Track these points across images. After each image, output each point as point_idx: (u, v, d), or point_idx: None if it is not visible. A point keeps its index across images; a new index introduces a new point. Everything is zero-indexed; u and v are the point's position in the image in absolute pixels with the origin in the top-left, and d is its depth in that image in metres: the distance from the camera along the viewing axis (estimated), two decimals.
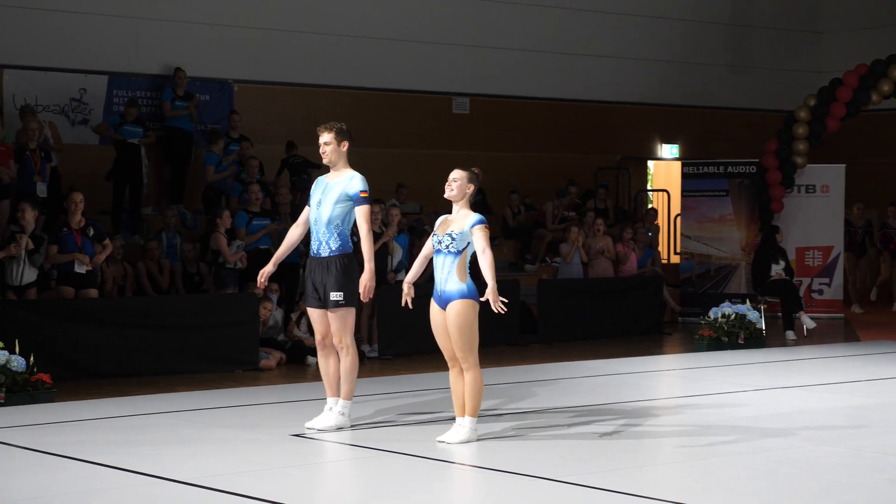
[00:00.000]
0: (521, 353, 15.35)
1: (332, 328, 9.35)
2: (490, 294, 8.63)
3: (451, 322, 8.81)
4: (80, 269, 13.33)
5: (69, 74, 17.17)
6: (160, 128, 17.34)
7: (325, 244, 9.32)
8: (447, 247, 8.87)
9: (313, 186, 9.47)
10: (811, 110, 19.37)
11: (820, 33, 24.83)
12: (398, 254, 15.47)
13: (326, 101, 19.37)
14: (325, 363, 9.54)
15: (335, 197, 9.28)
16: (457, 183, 8.94)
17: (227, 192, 16.84)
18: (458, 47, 20.61)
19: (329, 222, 9.29)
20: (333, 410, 9.43)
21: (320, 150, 9.38)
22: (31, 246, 13.03)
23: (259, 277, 9.56)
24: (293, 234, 9.67)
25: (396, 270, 15.39)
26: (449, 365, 8.99)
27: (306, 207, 9.47)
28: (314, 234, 9.38)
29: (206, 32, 18.24)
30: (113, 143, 16.57)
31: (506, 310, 8.68)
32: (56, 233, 13.49)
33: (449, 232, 8.86)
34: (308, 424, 9.44)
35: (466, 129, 20.82)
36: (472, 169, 9.05)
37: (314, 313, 9.48)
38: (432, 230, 9.06)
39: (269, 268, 9.55)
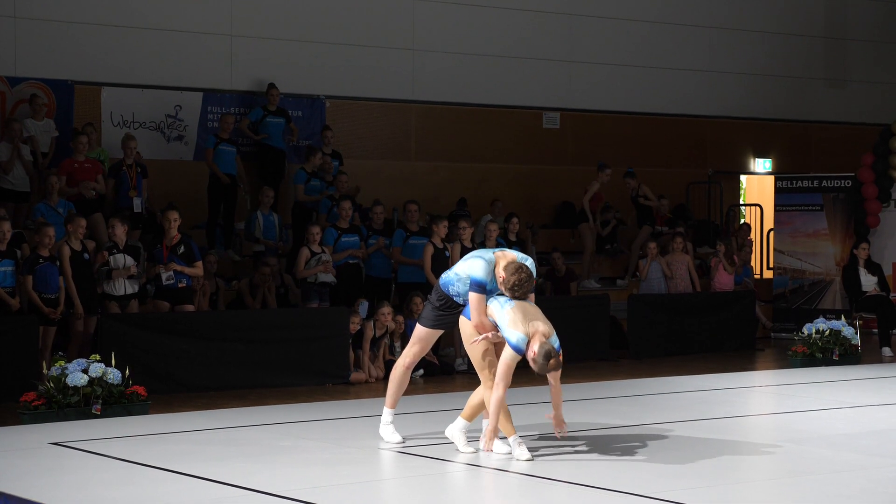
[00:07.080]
0: (610, 368, 15.26)
1: None
2: None
3: None
4: (166, 280, 13.49)
5: (164, 91, 17.43)
6: (252, 144, 17.51)
7: None
8: None
9: None
10: None
11: None
12: None
13: (416, 117, 19.45)
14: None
15: None
16: None
17: (317, 209, 16.93)
18: (548, 62, 20.58)
19: None
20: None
21: None
22: (133, 272, 13.31)
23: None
24: None
25: None
26: None
27: None
28: None
29: (298, 49, 18.41)
30: (212, 175, 16.63)
31: None
32: (150, 249, 13.76)
33: None
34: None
35: (556, 144, 20.78)
36: None
37: None
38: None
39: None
